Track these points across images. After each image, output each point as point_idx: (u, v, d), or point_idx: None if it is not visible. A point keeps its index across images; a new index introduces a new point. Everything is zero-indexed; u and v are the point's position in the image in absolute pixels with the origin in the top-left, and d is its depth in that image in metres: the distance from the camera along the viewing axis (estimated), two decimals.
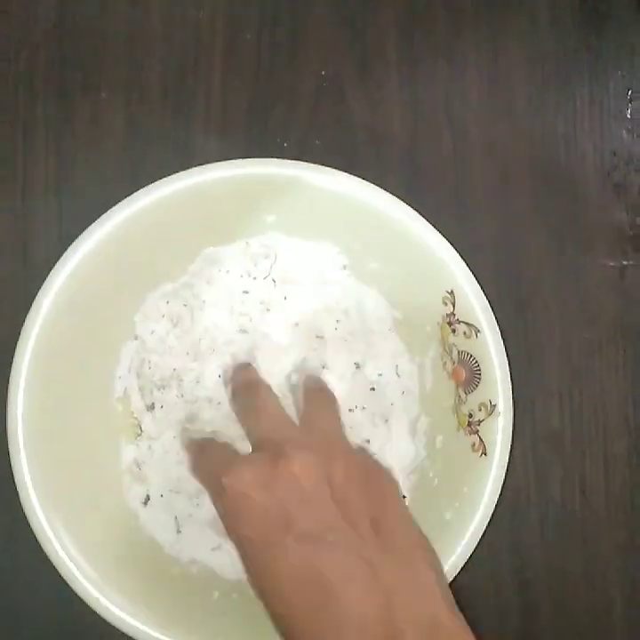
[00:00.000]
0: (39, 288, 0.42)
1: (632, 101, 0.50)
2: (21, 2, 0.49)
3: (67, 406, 0.43)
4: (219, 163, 0.43)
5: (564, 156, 0.50)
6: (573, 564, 0.48)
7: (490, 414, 0.41)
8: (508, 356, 0.42)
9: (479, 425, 0.42)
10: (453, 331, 0.43)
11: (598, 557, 0.48)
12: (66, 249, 0.42)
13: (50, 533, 0.41)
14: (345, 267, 0.46)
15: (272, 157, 0.43)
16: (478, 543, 0.41)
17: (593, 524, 0.48)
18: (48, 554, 0.41)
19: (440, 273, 0.42)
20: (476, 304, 0.42)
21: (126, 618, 0.41)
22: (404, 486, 0.44)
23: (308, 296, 0.46)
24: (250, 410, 0.38)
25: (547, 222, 0.49)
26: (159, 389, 0.46)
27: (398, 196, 0.43)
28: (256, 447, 0.35)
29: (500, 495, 0.42)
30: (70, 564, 0.41)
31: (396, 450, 0.44)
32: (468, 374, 0.42)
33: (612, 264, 0.49)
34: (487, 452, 0.41)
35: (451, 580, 0.40)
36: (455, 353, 0.43)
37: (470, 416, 0.42)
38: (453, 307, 0.42)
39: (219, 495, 0.33)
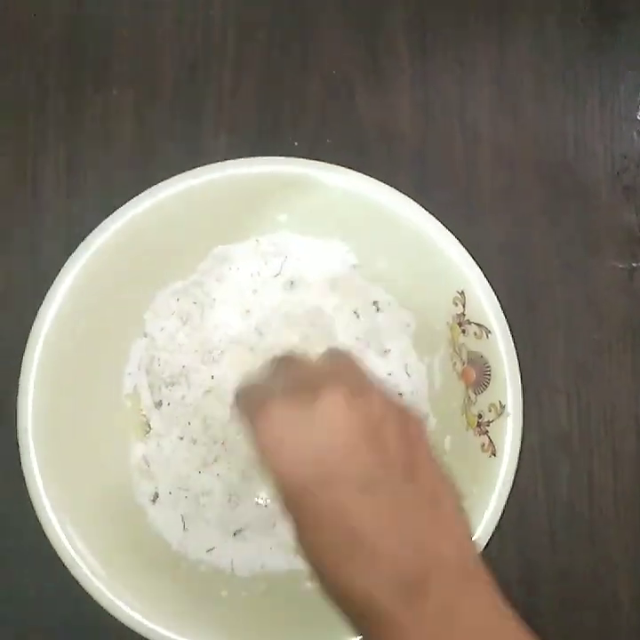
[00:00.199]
0: (49, 285, 0.42)
1: None
2: (35, 0, 0.49)
3: (76, 403, 0.43)
4: (229, 161, 0.43)
5: (573, 157, 0.50)
6: (581, 563, 0.48)
7: (499, 415, 0.41)
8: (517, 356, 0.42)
9: (489, 425, 0.42)
10: (463, 331, 0.43)
11: (606, 557, 0.48)
12: (76, 246, 0.42)
13: (59, 531, 0.41)
14: (354, 266, 0.46)
15: (283, 156, 0.43)
16: (487, 543, 0.41)
17: (601, 524, 0.48)
18: (57, 551, 0.41)
19: (451, 273, 0.42)
20: (486, 305, 0.42)
21: (134, 615, 0.41)
22: None
23: (318, 295, 0.46)
24: (278, 369, 0.37)
25: (556, 224, 0.49)
26: (168, 386, 0.46)
27: (408, 196, 0.43)
28: (288, 392, 0.34)
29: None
30: (79, 561, 0.41)
31: None
32: (478, 375, 0.42)
33: (621, 266, 0.49)
34: (496, 452, 0.41)
35: None
36: (465, 353, 0.43)
37: (480, 416, 0.42)
38: (464, 307, 0.42)
39: (254, 436, 0.33)
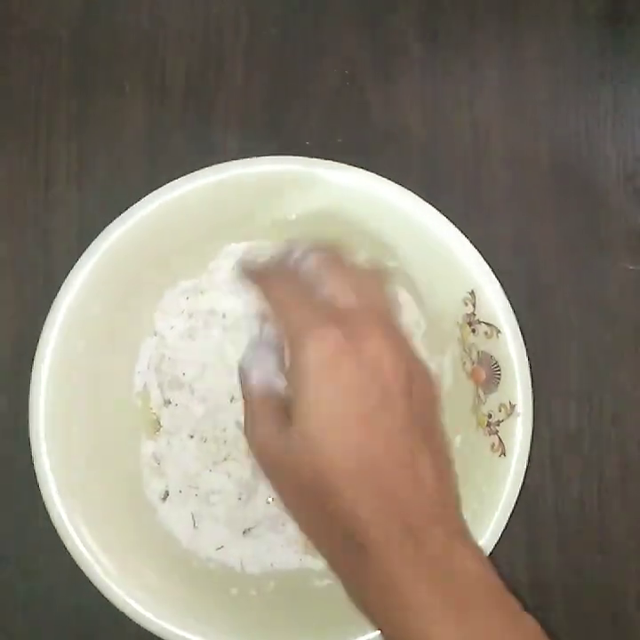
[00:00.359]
0: (60, 280, 0.42)
1: None
2: None
3: (87, 401, 0.43)
4: (240, 160, 0.43)
5: (585, 158, 0.49)
6: (590, 566, 0.48)
7: (509, 415, 0.41)
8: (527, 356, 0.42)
9: (499, 425, 0.42)
10: (473, 331, 0.43)
11: (615, 561, 0.48)
12: (87, 241, 0.42)
13: (70, 528, 0.41)
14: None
15: (293, 154, 0.43)
16: (496, 544, 0.41)
17: (610, 528, 0.48)
18: (68, 549, 0.41)
19: (461, 273, 0.42)
20: (496, 305, 0.42)
21: (145, 613, 0.41)
22: None
23: None
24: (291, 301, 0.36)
25: (567, 225, 0.49)
26: (178, 387, 0.46)
27: (418, 194, 0.43)
28: (333, 317, 0.34)
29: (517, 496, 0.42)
30: (91, 559, 0.41)
31: None
32: (488, 375, 0.42)
33: (632, 267, 0.49)
34: (506, 452, 0.41)
35: None
36: (475, 353, 0.43)
37: (490, 416, 0.42)
38: (474, 307, 0.42)
39: (303, 348, 0.33)
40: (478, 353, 0.43)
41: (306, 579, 0.44)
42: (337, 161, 0.43)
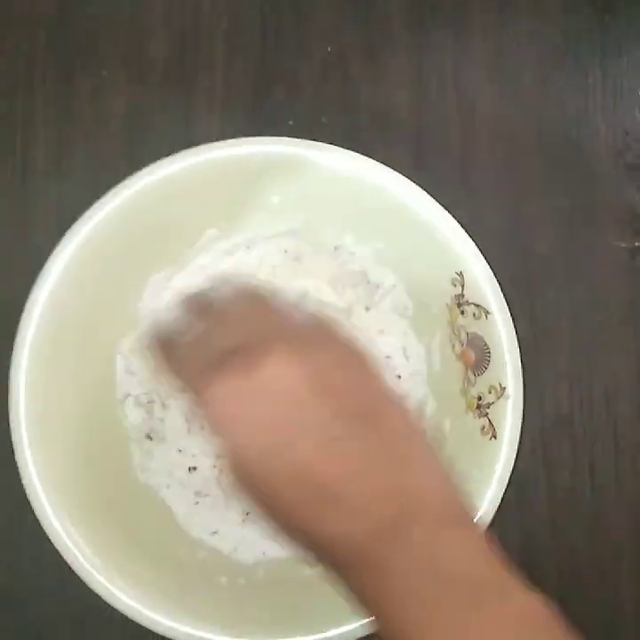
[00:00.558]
0: (38, 270, 0.41)
1: None
2: None
3: (68, 386, 0.42)
4: (220, 142, 0.42)
5: (575, 134, 0.49)
6: (581, 549, 0.48)
7: (499, 397, 0.41)
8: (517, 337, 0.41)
9: (489, 408, 0.41)
10: (462, 312, 0.42)
11: (607, 542, 0.48)
12: (65, 229, 0.41)
13: (51, 515, 0.40)
14: (353, 254, 0.45)
15: (277, 135, 0.42)
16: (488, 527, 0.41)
17: (602, 509, 0.48)
18: (50, 536, 0.40)
19: (449, 254, 0.42)
20: (485, 285, 0.41)
21: (134, 604, 0.40)
22: None
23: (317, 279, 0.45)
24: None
25: (557, 202, 0.48)
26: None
27: (405, 175, 0.42)
28: (228, 356, 0.32)
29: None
30: (73, 547, 0.40)
31: None
32: (478, 356, 0.42)
33: (623, 245, 0.48)
34: (497, 434, 0.41)
35: None
36: (464, 335, 0.42)
37: (479, 399, 0.42)
38: (462, 288, 0.42)
39: (200, 410, 0.31)
40: (467, 334, 0.42)
41: (295, 567, 0.43)
42: (321, 141, 0.42)
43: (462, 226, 0.42)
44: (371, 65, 0.48)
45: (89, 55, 0.48)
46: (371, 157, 0.42)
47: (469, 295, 0.42)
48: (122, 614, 0.40)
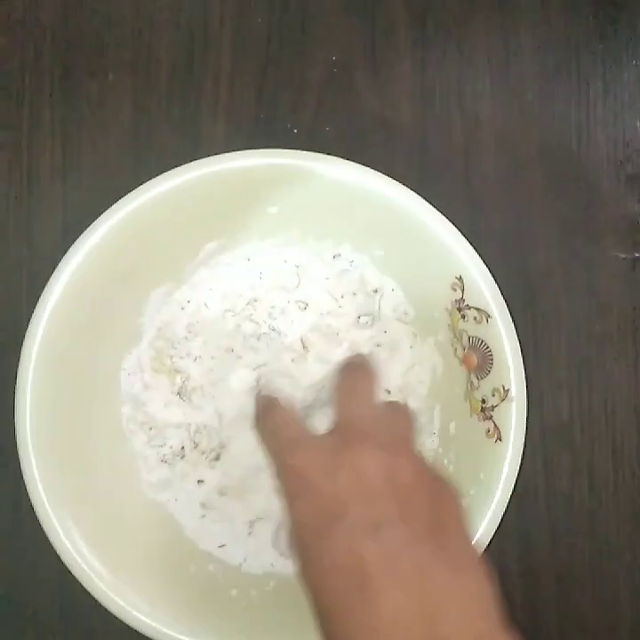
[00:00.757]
0: (44, 276, 0.41)
1: None
2: None
3: (75, 401, 0.43)
4: (221, 155, 0.42)
5: (576, 145, 0.49)
6: (580, 555, 0.48)
7: (503, 399, 0.41)
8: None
9: (493, 410, 0.41)
10: (463, 317, 0.42)
11: (606, 549, 0.48)
12: (72, 236, 0.41)
13: (56, 524, 0.40)
14: (352, 262, 0.45)
15: (281, 143, 0.42)
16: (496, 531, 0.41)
17: (601, 516, 0.48)
18: (55, 547, 0.40)
19: (448, 259, 0.42)
20: (485, 289, 0.41)
21: (144, 619, 0.40)
22: None
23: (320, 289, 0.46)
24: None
25: (557, 212, 0.48)
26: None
27: (407, 184, 0.42)
28: (328, 433, 0.34)
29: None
30: (80, 561, 0.40)
31: None
32: (480, 360, 0.42)
33: (623, 256, 0.48)
34: (502, 437, 0.41)
35: None
36: (465, 339, 0.43)
37: (483, 402, 0.42)
38: (462, 292, 0.42)
39: (281, 473, 0.33)
40: (469, 338, 0.42)
41: None
42: (325, 150, 0.42)
43: (464, 234, 0.42)
44: (375, 76, 0.48)
45: (95, 60, 0.48)
46: (373, 166, 0.42)
47: (470, 299, 0.42)
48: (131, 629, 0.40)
